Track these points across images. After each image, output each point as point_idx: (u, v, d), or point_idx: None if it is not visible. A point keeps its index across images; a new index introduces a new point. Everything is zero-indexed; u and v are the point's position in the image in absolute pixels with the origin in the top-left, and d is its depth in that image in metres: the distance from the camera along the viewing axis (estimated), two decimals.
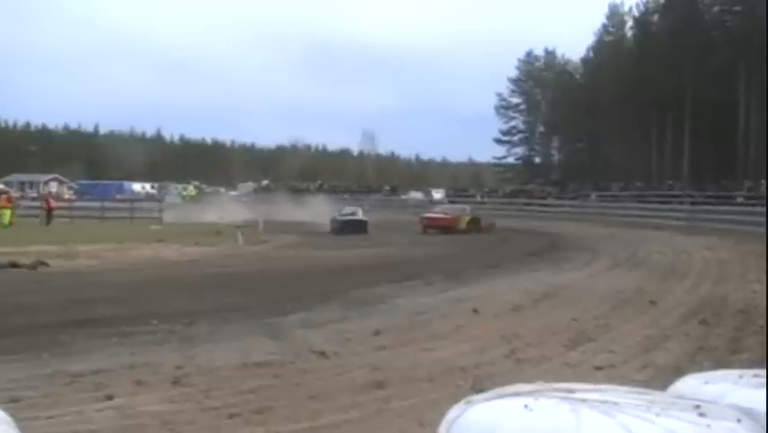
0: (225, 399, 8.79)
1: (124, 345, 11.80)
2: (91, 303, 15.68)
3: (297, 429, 7.79)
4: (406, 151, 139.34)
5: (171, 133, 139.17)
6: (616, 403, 1.40)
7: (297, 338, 12.60)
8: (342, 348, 11.78)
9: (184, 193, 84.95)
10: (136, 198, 71.58)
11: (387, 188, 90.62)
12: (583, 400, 1.32)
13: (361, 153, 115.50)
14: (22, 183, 79.64)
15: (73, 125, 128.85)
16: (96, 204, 57.08)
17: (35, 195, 60.94)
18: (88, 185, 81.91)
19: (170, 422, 7.89)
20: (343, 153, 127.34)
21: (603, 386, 1.37)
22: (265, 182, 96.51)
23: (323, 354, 11.35)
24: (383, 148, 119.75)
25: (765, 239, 24.51)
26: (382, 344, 12.16)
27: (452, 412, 1.26)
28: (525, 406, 1.25)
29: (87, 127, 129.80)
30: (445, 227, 44.31)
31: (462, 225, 45.40)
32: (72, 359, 10.69)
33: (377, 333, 12.96)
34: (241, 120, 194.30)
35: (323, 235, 41.05)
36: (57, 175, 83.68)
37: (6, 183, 74.84)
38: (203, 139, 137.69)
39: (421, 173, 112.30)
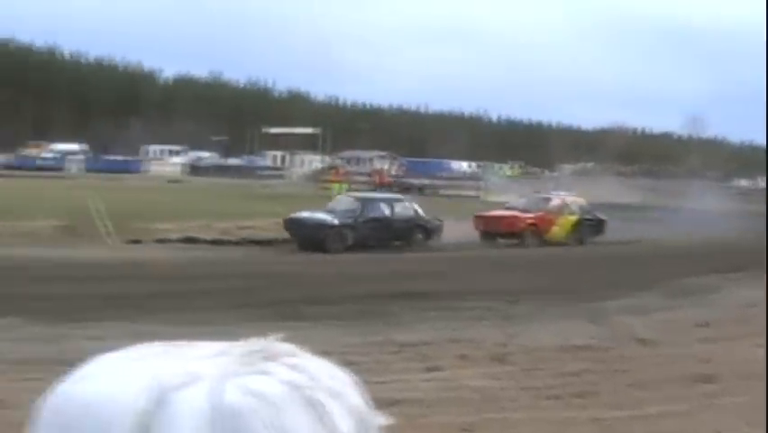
0: (547, 379, 8.79)
1: (448, 319, 12.10)
2: (414, 277, 16.19)
3: (619, 417, 7.65)
4: (736, 135, 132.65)
5: (497, 114, 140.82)
6: None
7: (619, 324, 12.35)
8: (665, 337, 11.42)
9: (504, 173, 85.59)
10: (458, 176, 72.90)
11: (710, 173, 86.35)
12: None
13: (685, 137, 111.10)
14: (356, 159, 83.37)
15: (402, 105, 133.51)
16: (421, 181, 58.70)
17: (366, 171, 63.62)
18: (414, 162, 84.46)
19: (492, 398, 8.00)
20: (665, 137, 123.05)
21: None
22: (588, 164, 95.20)
23: (645, 341, 11.06)
24: (710, 132, 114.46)
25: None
26: (709, 335, 11.66)
27: None
28: None
29: (415, 107, 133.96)
30: (507, 233, 26.95)
31: (556, 231, 27.79)
32: (399, 329, 11.11)
33: (703, 324, 12.44)
34: (563, 102, 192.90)
35: (648, 221, 39.85)
36: (385, 152, 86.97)
37: (342, 159, 78.83)
38: (526, 120, 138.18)
39: (752, 159, 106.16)
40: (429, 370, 8.94)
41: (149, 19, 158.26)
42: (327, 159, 77.06)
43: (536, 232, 26.54)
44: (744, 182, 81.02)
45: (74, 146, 73.43)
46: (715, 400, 8.32)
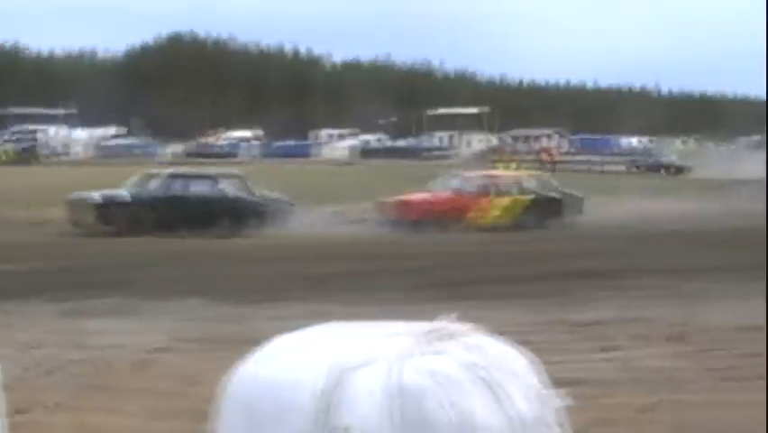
0: (727, 360, 8.50)
1: (623, 298, 11.87)
2: (591, 254, 16.00)
3: None
4: None
5: (667, 86, 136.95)
6: None
7: None
8: None
9: (679, 148, 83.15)
10: (633, 151, 71.34)
11: None
12: None
13: None
14: (526, 137, 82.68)
15: (569, 81, 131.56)
16: (595, 158, 57.80)
17: (534, 149, 63.05)
18: (583, 139, 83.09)
19: (671, 379, 7.80)
20: None
21: None
22: (760, 137, 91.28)
23: None
24: None
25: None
26: None
27: None
28: None
29: (581, 82, 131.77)
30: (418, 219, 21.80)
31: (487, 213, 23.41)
32: (574, 308, 11.00)
33: None
34: (738, 72, 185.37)
35: None
36: (553, 130, 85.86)
37: (513, 138, 78.39)
38: (698, 92, 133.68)
39: None
40: (606, 350, 8.80)
41: (312, 6, 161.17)
42: (494, 139, 76.76)
43: (456, 215, 21.85)
44: None
45: (247, 133, 75.97)
46: None
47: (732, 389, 7.67)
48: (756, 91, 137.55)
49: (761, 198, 26.54)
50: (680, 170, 46.73)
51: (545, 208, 23.28)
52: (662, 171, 47.21)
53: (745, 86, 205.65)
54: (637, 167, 50.62)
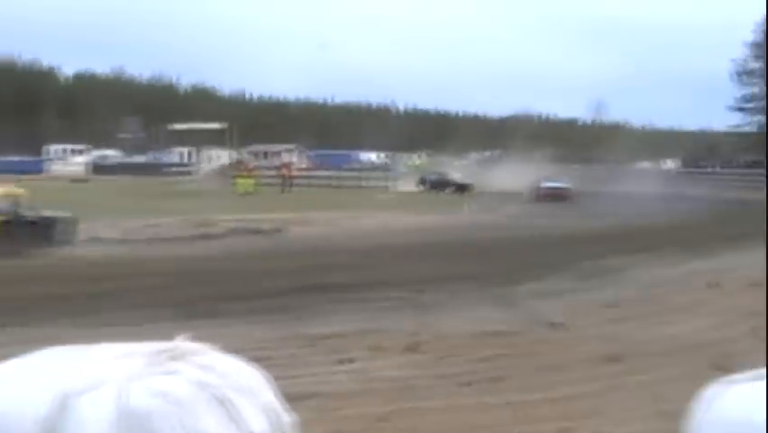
0: (459, 366, 8.89)
1: (360, 310, 12.13)
2: (327, 269, 16.18)
3: (530, 400, 7.78)
4: (637, 120, 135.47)
5: (404, 103, 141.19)
6: None
7: (529, 308, 12.56)
8: (574, 320, 11.64)
9: (414, 163, 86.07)
10: (367, 167, 73.14)
11: (615, 158, 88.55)
12: None
13: (590, 122, 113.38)
14: (264, 153, 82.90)
15: (309, 97, 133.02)
16: (330, 173, 58.75)
17: (274, 164, 63.35)
18: (322, 155, 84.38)
19: (406, 387, 8.06)
20: (571, 123, 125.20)
21: None
22: (490, 152, 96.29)
23: (555, 324, 11.26)
24: (613, 117, 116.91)
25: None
26: (616, 316, 11.94)
27: (708, 392, 1.16)
28: None
29: (322, 99, 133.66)
30: None
31: None
32: (312, 322, 11.11)
33: (610, 305, 12.73)
34: (469, 90, 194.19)
35: (549, 205, 40.51)
36: (294, 145, 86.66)
37: (250, 153, 78.27)
38: (433, 109, 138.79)
39: (651, 142, 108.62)
40: (343, 362, 8.96)
41: (44, 14, 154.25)
42: (235, 154, 76.44)
43: None
44: (647, 165, 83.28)
45: None
46: (623, 379, 8.51)
47: (466, 393, 8.02)
48: (485, 109, 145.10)
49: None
50: (463, 186, 47.91)
51: (19, 231, 19.03)
52: (447, 189, 48.22)
53: (474, 104, 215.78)
54: (423, 184, 51.64)
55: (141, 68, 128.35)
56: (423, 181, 52.69)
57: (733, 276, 15.95)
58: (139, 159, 75.23)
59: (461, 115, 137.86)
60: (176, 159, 76.57)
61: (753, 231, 25.94)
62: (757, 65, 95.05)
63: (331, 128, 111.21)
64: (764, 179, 62.38)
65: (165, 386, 1.04)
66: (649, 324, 11.39)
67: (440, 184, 50.90)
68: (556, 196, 43.51)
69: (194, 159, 76.48)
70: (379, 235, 23.87)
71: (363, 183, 52.36)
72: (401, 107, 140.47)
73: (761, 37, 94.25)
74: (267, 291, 13.39)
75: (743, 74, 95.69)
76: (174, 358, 1.09)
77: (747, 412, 1.12)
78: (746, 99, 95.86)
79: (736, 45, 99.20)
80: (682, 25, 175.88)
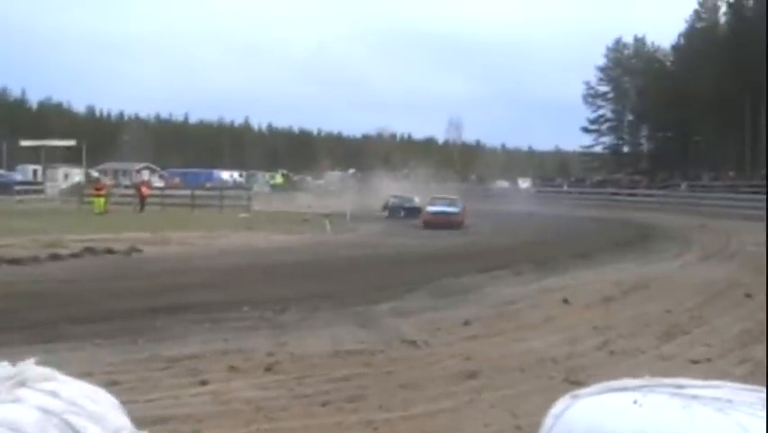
0: (317, 386, 8.86)
1: (217, 330, 11.98)
2: (183, 289, 15.95)
3: (389, 418, 7.82)
4: (491, 139, 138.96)
5: (259, 122, 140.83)
6: (729, 401, 1.34)
7: (387, 327, 12.64)
8: (432, 337, 11.78)
9: (272, 181, 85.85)
10: (225, 185, 72.54)
11: (473, 177, 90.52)
12: (694, 397, 1.26)
13: (446, 142, 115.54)
14: (116, 171, 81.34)
15: (164, 115, 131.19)
16: (187, 192, 57.97)
17: (128, 183, 62.18)
18: (178, 173, 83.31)
19: (264, 408, 7.99)
20: (429, 142, 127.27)
21: (715, 382, 1.30)
22: (351, 171, 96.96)
23: (413, 343, 11.37)
24: (469, 136, 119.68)
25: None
26: (472, 333, 12.13)
27: (558, 406, 1.21)
28: (635, 401, 1.20)
29: (178, 117, 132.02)
30: None
31: None
32: (167, 344, 10.90)
33: (467, 322, 12.93)
34: (327, 109, 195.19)
35: (408, 225, 41.00)
36: (149, 163, 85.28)
37: (101, 171, 76.59)
38: (290, 128, 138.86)
39: (507, 162, 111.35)
40: (199, 384, 8.83)
41: None
42: (93, 172, 74.68)
43: None
44: (504, 184, 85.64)
45: None
46: (480, 394, 8.65)
47: (323, 413, 8.00)
48: (343, 128, 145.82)
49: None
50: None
51: None
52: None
53: (331, 123, 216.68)
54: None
55: None
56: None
57: (583, 292, 16.48)
58: None
59: (320, 133, 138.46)
60: (26, 176, 74.11)
61: (598, 247, 26.90)
62: (606, 88, 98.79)
63: (189, 146, 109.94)
64: (613, 196, 64.79)
65: (8, 414, 1.00)
66: (504, 340, 11.63)
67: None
68: (447, 223, 37.91)
69: (43, 177, 74.18)
70: (237, 255, 23.68)
71: (222, 202, 51.80)
72: (260, 126, 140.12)
73: (611, 61, 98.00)
74: (119, 313, 13.06)
75: (593, 96, 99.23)
76: (17, 385, 1.06)
77: (595, 425, 1.17)
78: (596, 121, 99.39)
79: (588, 68, 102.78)
80: (538, 47, 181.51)
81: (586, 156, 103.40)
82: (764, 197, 52.07)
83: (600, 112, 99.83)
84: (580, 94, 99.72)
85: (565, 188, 76.93)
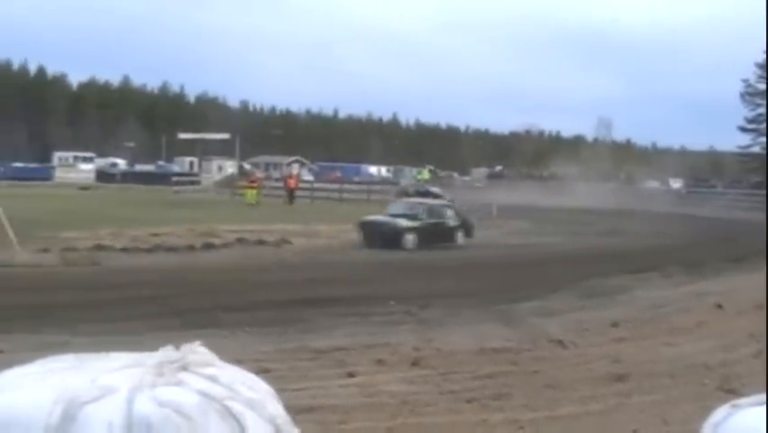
0: (463, 383, 8.85)
1: (363, 324, 12.11)
2: (331, 282, 16.17)
3: (535, 418, 7.74)
4: (642, 138, 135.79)
5: (407, 117, 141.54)
6: None
7: (533, 326, 12.50)
8: (579, 338, 11.59)
9: (418, 177, 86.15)
10: (372, 180, 73.21)
11: (622, 176, 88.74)
12: None
13: (595, 140, 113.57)
14: (267, 164, 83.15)
15: (314, 110, 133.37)
16: (335, 186, 58.76)
17: (278, 176, 63.46)
18: (328, 167, 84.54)
19: (409, 402, 8.02)
20: (577, 140, 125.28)
21: None
22: (498, 168, 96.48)
23: (559, 343, 11.21)
24: (619, 135, 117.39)
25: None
26: (621, 336, 11.88)
27: (716, 416, 1.15)
28: None
29: (327, 112, 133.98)
30: None
31: None
32: (315, 335, 11.08)
33: (615, 324, 12.67)
34: (475, 106, 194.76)
35: (556, 222, 40.41)
36: (299, 157, 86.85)
37: (252, 164, 78.41)
38: (437, 124, 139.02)
39: (658, 161, 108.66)
40: (346, 376, 8.94)
41: (48, 23, 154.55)
42: (245, 165, 76.54)
43: None
44: (655, 184, 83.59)
45: None
46: (628, 399, 8.47)
47: (468, 410, 7.98)
48: (491, 125, 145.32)
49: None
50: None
51: None
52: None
53: (479, 120, 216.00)
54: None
55: (147, 77, 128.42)
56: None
57: (738, 298, 15.89)
58: (145, 168, 75.21)
59: (467, 129, 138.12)
60: (186, 168, 76.63)
61: (757, 251, 25.85)
62: (766, 86, 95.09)
63: (339, 141, 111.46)
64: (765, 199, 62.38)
65: (170, 396, 1.02)
66: (654, 344, 11.35)
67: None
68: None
69: (199, 168, 76.57)
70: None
71: (372, 196, 52.20)
72: (408, 121, 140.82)
73: None
74: (269, 303, 13.38)
75: (752, 94, 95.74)
76: (179, 369, 1.08)
77: None
78: (755, 120, 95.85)
79: (747, 65, 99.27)
80: (691, 44, 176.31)
81: (743, 156, 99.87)
82: None
83: (759, 111, 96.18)
84: (737, 92, 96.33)
85: (719, 189, 74.52)
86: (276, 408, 1.13)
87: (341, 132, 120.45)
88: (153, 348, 1.15)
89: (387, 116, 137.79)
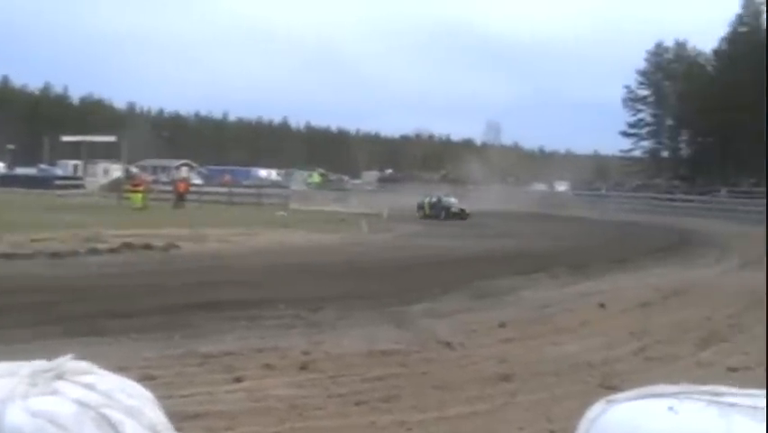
0: (352, 385, 8.86)
1: (252, 328, 12.01)
2: (220, 286, 16.00)
3: (424, 419, 7.80)
4: (529, 142, 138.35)
5: (297, 121, 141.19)
6: None
7: (423, 328, 12.61)
8: (467, 339, 11.73)
9: (309, 180, 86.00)
10: (262, 183, 72.84)
11: (510, 179, 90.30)
12: (732, 405, 1.23)
13: (484, 144, 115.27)
14: (155, 168, 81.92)
15: (203, 113, 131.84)
16: (224, 189, 58.29)
17: (166, 179, 62.59)
18: (217, 170, 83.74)
19: (298, 406, 8.00)
20: (467, 144, 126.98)
21: (753, 390, 1.27)
22: (389, 171, 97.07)
23: (448, 344, 11.33)
24: (507, 139, 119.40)
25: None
26: (508, 336, 12.07)
27: (593, 411, 1.19)
28: (670, 408, 1.18)
29: (217, 115, 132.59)
30: None
31: None
32: (203, 340, 10.95)
33: (502, 325, 12.86)
34: (366, 109, 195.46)
35: (447, 225, 40.92)
36: (188, 160, 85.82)
37: (140, 167, 77.10)
38: (328, 127, 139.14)
39: (545, 165, 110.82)
40: (234, 381, 8.86)
41: None
42: (132, 168, 75.19)
43: None
44: (542, 186, 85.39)
45: None
46: (515, 398, 8.61)
47: (357, 412, 7.99)
48: (381, 129, 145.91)
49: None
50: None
51: None
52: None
53: (370, 124, 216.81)
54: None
55: (28, 78, 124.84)
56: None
57: (621, 297, 16.33)
58: (26, 171, 73.26)
59: (358, 133, 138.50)
60: (66, 171, 74.90)
61: (636, 252, 26.66)
62: (646, 92, 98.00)
63: (228, 144, 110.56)
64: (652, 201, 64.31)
65: (45, 406, 1.00)
66: (539, 344, 11.56)
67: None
68: None
69: (83, 171, 74.90)
70: (274, 253, 23.75)
71: (263, 200, 51.98)
72: (299, 125, 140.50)
73: (652, 65, 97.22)
74: (156, 308, 13.15)
75: (633, 100, 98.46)
76: (55, 378, 1.06)
77: (630, 430, 1.15)
78: (636, 125, 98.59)
79: (628, 72, 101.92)
80: (578, 50, 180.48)
81: (625, 160, 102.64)
82: None
83: (640, 116, 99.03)
84: (619, 98, 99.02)
85: (603, 192, 76.42)
86: (156, 414, 1.12)
87: (231, 135, 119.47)
88: (32, 358, 1.12)
89: (277, 120, 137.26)
